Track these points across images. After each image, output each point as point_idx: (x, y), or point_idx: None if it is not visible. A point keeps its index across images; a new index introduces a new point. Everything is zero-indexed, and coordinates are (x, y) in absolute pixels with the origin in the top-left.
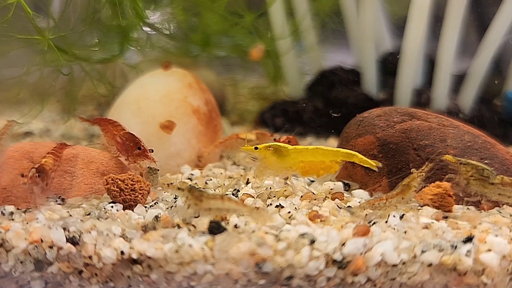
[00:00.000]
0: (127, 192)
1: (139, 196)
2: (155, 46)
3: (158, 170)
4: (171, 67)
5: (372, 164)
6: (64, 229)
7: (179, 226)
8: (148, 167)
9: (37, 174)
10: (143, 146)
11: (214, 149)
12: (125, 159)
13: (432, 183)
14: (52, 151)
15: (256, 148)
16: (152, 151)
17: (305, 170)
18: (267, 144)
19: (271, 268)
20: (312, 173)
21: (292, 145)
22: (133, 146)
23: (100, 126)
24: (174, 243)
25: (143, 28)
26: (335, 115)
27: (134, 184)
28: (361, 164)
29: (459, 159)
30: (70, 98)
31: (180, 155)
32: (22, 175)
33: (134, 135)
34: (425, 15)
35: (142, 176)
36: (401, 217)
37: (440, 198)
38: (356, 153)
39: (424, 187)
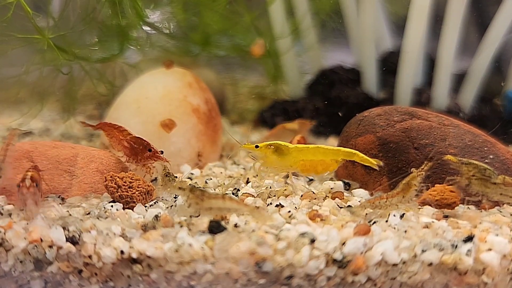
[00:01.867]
0: (124, 188)
1: (136, 193)
2: (155, 45)
3: (177, 176)
4: (173, 66)
5: (373, 162)
6: (64, 228)
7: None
8: (166, 173)
9: (34, 184)
10: (153, 148)
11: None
12: (136, 163)
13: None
14: (33, 169)
15: (256, 146)
16: (162, 152)
17: (305, 168)
18: (268, 142)
19: (271, 267)
20: (312, 171)
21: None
22: (142, 149)
23: (104, 131)
24: (174, 242)
25: (143, 27)
26: (340, 114)
27: (133, 182)
28: (362, 162)
29: (461, 159)
30: (69, 98)
31: (180, 155)
32: (19, 186)
33: (142, 138)
34: (425, 14)
35: (156, 181)
36: (402, 217)
37: (440, 193)
38: (357, 152)
39: (424, 187)
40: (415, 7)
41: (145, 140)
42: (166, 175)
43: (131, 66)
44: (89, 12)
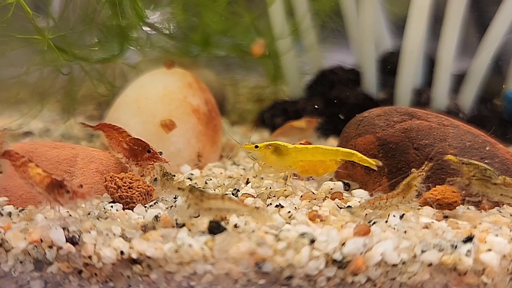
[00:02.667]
0: (124, 189)
1: (136, 193)
2: (155, 46)
3: (174, 175)
4: (174, 66)
5: (372, 163)
6: (64, 229)
7: (179, 226)
8: (164, 173)
9: (80, 184)
10: (152, 149)
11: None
12: (135, 165)
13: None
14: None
15: (256, 146)
16: (162, 153)
17: (305, 169)
18: (267, 142)
19: (271, 268)
20: (312, 172)
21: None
22: (141, 151)
23: (104, 132)
24: (174, 243)
25: (143, 28)
26: (342, 117)
27: (132, 183)
28: (360, 163)
29: (461, 159)
30: (70, 98)
31: (180, 155)
32: (68, 191)
33: (141, 139)
34: (425, 14)
35: (156, 181)
36: (401, 217)
37: (441, 192)
38: (356, 152)
39: (425, 187)
40: (415, 7)
41: (144, 142)
42: (164, 175)
43: (131, 66)
44: (89, 13)
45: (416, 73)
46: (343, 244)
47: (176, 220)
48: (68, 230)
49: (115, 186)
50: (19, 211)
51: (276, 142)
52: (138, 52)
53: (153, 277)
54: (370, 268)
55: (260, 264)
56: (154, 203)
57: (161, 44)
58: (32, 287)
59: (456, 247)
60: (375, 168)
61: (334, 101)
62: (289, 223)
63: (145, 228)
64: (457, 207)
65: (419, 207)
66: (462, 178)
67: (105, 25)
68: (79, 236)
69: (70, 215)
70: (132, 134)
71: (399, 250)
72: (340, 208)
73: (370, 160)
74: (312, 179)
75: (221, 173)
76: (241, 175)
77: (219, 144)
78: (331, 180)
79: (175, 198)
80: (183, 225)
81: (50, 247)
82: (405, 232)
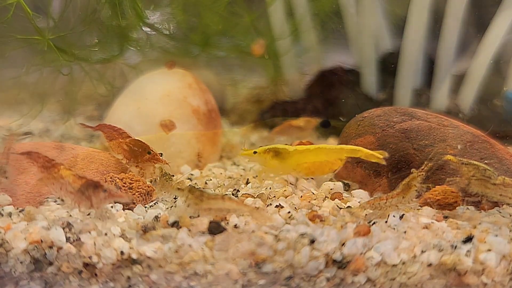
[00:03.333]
0: (124, 190)
1: (136, 194)
2: (155, 46)
3: (173, 175)
4: (175, 67)
5: (379, 156)
6: (64, 229)
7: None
8: (163, 173)
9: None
10: (152, 150)
11: (272, 138)
12: (135, 166)
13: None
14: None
15: (255, 152)
16: (162, 154)
17: (310, 171)
18: (266, 147)
19: (270, 268)
20: (317, 172)
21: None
22: (141, 152)
23: (104, 133)
24: (174, 243)
25: (143, 28)
26: (342, 119)
27: (132, 183)
28: (366, 159)
29: (461, 159)
30: (69, 98)
31: (180, 155)
32: (105, 191)
33: (141, 140)
34: (425, 15)
35: (156, 181)
36: (401, 217)
37: (441, 193)
38: (361, 148)
39: (425, 187)
40: (415, 7)
41: (144, 143)
42: (163, 176)
43: (131, 67)
44: (89, 13)
45: (416, 74)
46: (343, 244)
47: (167, 220)
48: (68, 230)
49: (115, 186)
50: (19, 211)
51: (275, 146)
52: (138, 53)
53: (153, 277)
54: (370, 268)
55: (260, 264)
56: (154, 204)
57: (161, 44)
58: (32, 287)
59: (456, 247)
60: (384, 162)
61: (334, 102)
62: (289, 224)
63: (145, 229)
64: (457, 208)
65: (419, 208)
66: (462, 178)
67: (105, 26)
68: (79, 237)
69: (71, 215)
70: (131, 135)
71: (399, 250)
72: (340, 208)
73: (376, 153)
74: (312, 179)
75: (221, 173)
76: (241, 176)
77: (219, 145)
78: (331, 180)
79: (175, 198)
80: (178, 224)
81: (50, 247)
82: (405, 232)
